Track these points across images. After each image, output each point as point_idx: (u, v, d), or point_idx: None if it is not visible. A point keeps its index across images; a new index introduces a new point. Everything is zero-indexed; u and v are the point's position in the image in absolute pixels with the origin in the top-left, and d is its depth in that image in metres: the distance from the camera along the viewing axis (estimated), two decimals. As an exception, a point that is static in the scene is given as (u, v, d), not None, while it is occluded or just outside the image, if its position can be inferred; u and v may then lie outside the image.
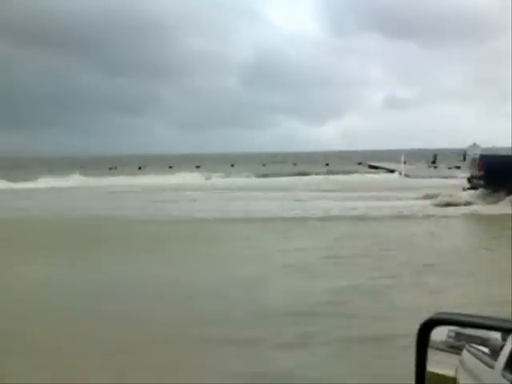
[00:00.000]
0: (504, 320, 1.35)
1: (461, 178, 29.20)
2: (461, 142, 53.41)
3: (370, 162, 69.49)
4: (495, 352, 1.51)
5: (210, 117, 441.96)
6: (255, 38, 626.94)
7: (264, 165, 73.75)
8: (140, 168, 71.67)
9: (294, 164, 73.90)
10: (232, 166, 74.17)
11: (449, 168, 51.23)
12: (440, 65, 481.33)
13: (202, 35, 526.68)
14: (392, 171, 50.18)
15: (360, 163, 70.74)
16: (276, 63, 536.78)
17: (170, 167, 67.53)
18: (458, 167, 48.38)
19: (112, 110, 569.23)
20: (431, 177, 41.80)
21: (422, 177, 41.70)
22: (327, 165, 73.46)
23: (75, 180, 44.47)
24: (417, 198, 24.56)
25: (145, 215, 20.77)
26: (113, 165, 75.12)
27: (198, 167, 67.37)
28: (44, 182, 41.23)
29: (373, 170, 57.62)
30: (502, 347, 1.49)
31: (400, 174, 46.30)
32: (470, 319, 1.42)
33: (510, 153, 28.48)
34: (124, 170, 60.36)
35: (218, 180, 46.38)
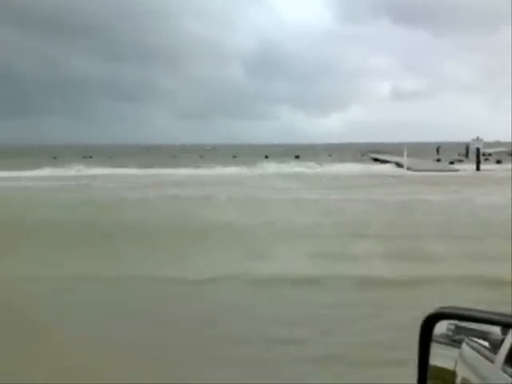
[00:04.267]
0: (506, 315, 1.35)
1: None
2: (467, 136, 53.20)
3: (373, 154, 69.33)
4: (495, 346, 1.51)
5: (211, 107, 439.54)
6: (259, 24, 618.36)
7: (266, 156, 73.39)
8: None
9: (297, 156, 73.51)
10: (234, 157, 74.01)
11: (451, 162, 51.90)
12: (449, 55, 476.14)
13: (205, 22, 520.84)
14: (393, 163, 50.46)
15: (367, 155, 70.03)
16: (280, 52, 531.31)
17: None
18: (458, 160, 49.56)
19: (111, 98, 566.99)
20: (430, 170, 42.46)
21: (422, 170, 42.40)
22: (330, 155, 73.90)
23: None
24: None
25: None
26: (111, 155, 74.76)
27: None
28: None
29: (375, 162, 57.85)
30: (502, 341, 1.48)
31: (398, 166, 46.42)
32: (473, 313, 1.42)
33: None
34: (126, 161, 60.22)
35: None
